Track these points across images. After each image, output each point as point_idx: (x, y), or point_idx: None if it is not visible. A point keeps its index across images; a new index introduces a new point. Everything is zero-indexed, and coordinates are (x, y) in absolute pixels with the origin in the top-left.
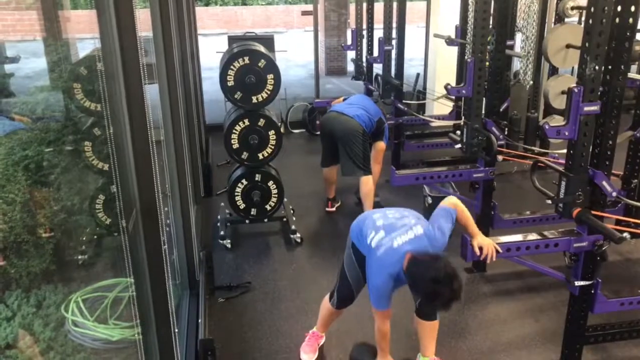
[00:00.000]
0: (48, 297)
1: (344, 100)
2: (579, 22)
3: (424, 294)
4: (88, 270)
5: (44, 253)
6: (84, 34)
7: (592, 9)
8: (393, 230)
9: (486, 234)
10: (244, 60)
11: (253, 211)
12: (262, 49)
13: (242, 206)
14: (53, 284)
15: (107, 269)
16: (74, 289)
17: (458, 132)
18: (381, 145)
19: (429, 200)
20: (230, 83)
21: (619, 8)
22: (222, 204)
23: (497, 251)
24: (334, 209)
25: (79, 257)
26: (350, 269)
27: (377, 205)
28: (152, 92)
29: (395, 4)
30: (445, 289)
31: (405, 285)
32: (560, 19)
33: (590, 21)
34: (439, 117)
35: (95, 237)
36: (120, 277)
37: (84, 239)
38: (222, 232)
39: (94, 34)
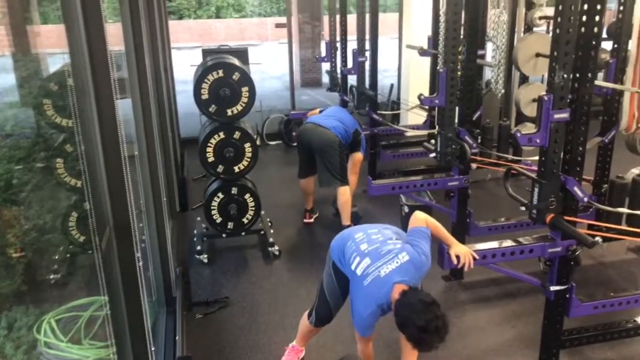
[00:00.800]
0: (20, 319)
1: (320, 112)
2: (547, 31)
3: (409, 337)
4: (61, 290)
5: (14, 273)
6: (54, 48)
7: (559, 19)
8: (379, 258)
9: (462, 241)
10: (218, 74)
11: (230, 225)
12: (236, 61)
13: (219, 220)
14: (25, 305)
15: (81, 287)
16: (47, 310)
17: (432, 141)
18: (358, 155)
19: (406, 209)
20: (205, 96)
21: (584, 18)
22: (198, 218)
23: (473, 259)
24: (312, 220)
25: (52, 276)
26: (330, 289)
27: (354, 215)
28: (124, 106)
29: (367, 16)
30: (431, 338)
31: None
32: (529, 28)
33: (558, 31)
34: (413, 127)
35: (69, 255)
36: (95, 296)
37: (57, 257)
38: (198, 247)
39: (65, 49)
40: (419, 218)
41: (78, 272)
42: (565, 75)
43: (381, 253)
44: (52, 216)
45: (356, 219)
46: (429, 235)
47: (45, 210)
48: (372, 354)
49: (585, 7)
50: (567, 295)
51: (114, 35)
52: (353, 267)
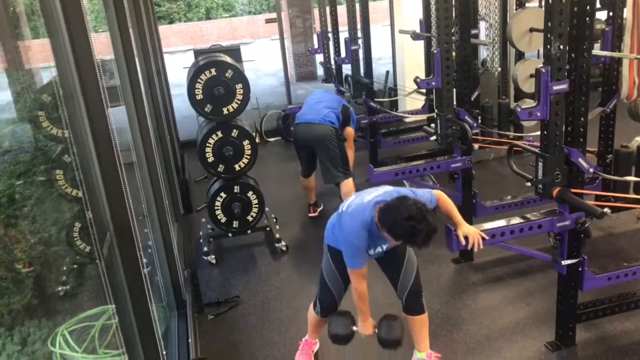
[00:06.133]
0: (33, 333)
1: (305, 102)
2: (540, 6)
3: (403, 233)
4: (72, 301)
5: (24, 288)
6: (47, 62)
7: None
8: (363, 193)
9: (469, 222)
10: (210, 73)
11: (235, 224)
12: (228, 59)
13: (224, 220)
14: (37, 318)
15: (91, 297)
16: (59, 322)
17: (432, 124)
18: (349, 130)
19: None
20: (199, 96)
21: None
22: (203, 219)
23: (482, 238)
24: (316, 213)
25: (61, 288)
26: (328, 274)
27: None
28: (118, 114)
29: (357, 5)
30: (422, 224)
31: (389, 286)
32: (521, 4)
33: (551, 1)
34: (412, 112)
35: (76, 266)
36: (105, 305)
37: (64, 269)
38: (205, 248)
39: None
40: (434, 191)
41: (86, 282)
42: (561, 46)
43: (366, 191)
44: (57, 228)
45: None
46: (433, 201)
47: (50, 222)
48: (366, 291)
49: None
50: (580, 269)
51: (104, 44)
52: (340, 211)
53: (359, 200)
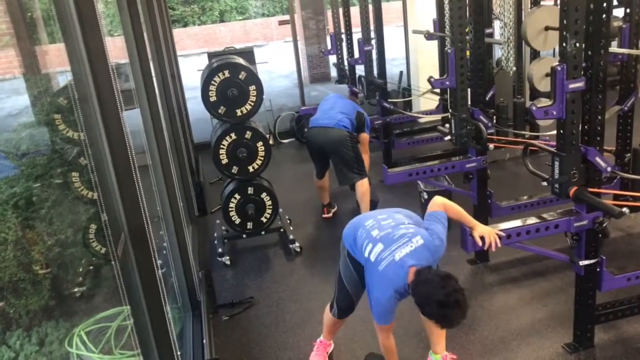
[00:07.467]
0: (50, 334)
1: (318, 107)
2: (555, 4)
3: (430, 315)
4: (88, 302)
5: (41, 289)
6: (64, 66)
7: None
8: (392, 243)
9: (485, 222)
10: (224, 74)
11: (249, 225)
12: (241, 61)
13: (238, 221)
14: (54, 319)
15: (107, 298)
16: (76, 323)
17: (447, 125)
18: (364, 136)
19: (425, 195)
20: (213, 98)
21: None
22: (218, 221)
23: (499, 238)
24: (330, 214)
25: (77, 289)
26: (347, 278)
27: (373, 204)
28: (133, 117)
29: (371, 6)
30: (454, 312)
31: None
32: (535, 2)
33: None
34: (426, 113)
35: (92, 267)
36: (120, 306)
37: (81, 270)
38: (219, 250)
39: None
40: (437, 203)
41: (102, 283)
42: (577, 44)
43: (394, 238)
44: (73, 230)
45: (373, 207)
46: (445, 220)
47: (66, 224)
48: (394, 345)
49: None
50: (598, 269)
51: (120, 47)
52: (366, 254)
53: (389, 254)
